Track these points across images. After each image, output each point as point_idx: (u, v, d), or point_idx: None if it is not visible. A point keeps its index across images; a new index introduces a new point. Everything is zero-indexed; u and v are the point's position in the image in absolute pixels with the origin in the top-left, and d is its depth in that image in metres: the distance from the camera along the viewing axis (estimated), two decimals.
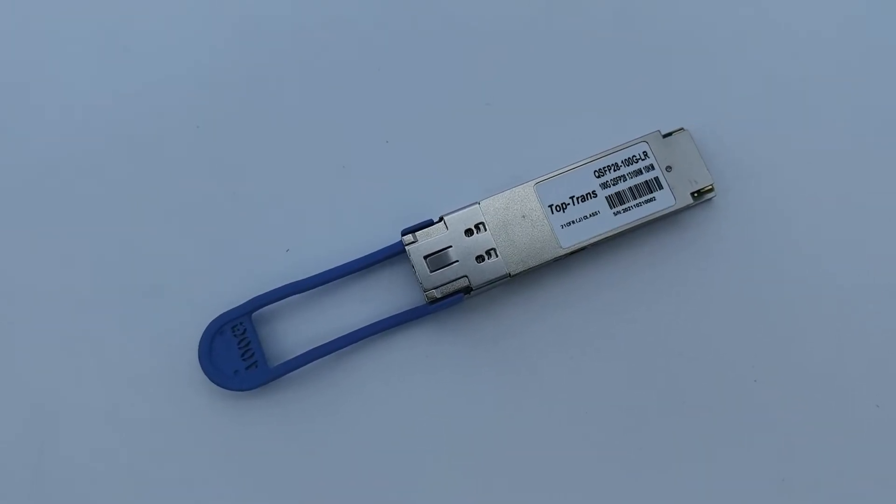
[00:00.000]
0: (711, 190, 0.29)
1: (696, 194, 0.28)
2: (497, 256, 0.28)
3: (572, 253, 0.28)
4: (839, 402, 0.28)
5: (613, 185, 0.28)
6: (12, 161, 0.31)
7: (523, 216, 0.28)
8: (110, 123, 0.31)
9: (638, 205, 0.28)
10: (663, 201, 0.28)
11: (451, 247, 0.28)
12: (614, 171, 0.28)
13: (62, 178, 0.31)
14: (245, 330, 0.28)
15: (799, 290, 0.29)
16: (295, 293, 0.29)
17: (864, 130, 0.30)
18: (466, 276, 0.28)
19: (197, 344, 0.28)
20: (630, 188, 0.28)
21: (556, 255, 0.28)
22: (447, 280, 0.28)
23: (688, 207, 0.29)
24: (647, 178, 0.28)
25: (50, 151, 0.31)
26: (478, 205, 0.28)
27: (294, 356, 0.28)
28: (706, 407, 0.28)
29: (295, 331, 0.29)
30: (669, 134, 0.29)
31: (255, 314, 0.29)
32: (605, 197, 0.28)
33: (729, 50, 0.31)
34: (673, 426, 0.28)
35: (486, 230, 0.28)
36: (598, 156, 0.29)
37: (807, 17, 0.31)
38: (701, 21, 0.31)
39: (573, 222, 0.28)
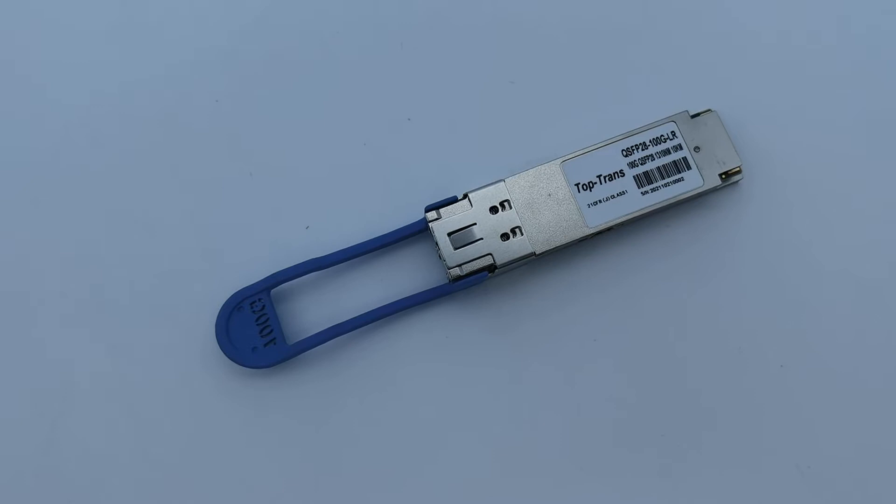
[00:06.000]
0: (739, 172, 0.28)
1: (723, 175, 0.28)
2: (522, 235, 0.27)
3: (599, 233, 0.28)
4: (866, 389, 0.28)
5: (641, 164, 0.28)
6: (30, 142, 0.30)
7: (549, 194, 0.28)
8: (129, 101, 0.31)
9: (666, 185, 0.28)
10: (691, 182, 0.28)
11: (475, 224, 0.27)
12: (642, 150, 0.28)
13: (79, 156, 0.30)
14: (264, 306, 0.28)
15: (825, 275, 0.29)
16: (315, 270, 0.28)
17: (892, 117, 0.30)
18: (491, 255, 0.27)
19: (214, 320, 0.28)
20: (658, 168, 0.28)
21: (582, 235, 0.27)
22: (471, 258, 0.27)
23: (715, 189, 0.28)
24: (676, 158, 0.28)
25: (68, 131, 0.30)
26: (503, 182, 0.28)
27: (313, 334, 0.28)
28: (731, 392, 0.28)
29: (314, 308, 0.29)
30: (698, 115, 0.28)
31: (274, 291, 0.28)
32: (633, 176, 0.28)
33: (759, 33, 0.31)
34: (697, 411, 0.28)
35: (511, 208, 0.28)
36: (626, 135, 0.28)
37: (838, 3, 0.31)
38: (732, 3, 0.31)
39: (600, 201, 0.28)
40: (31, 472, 0.28)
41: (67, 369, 0.29)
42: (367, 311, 0.28)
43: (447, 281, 0.28)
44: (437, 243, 0.27)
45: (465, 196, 0.28)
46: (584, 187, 0.28)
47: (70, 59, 0.31)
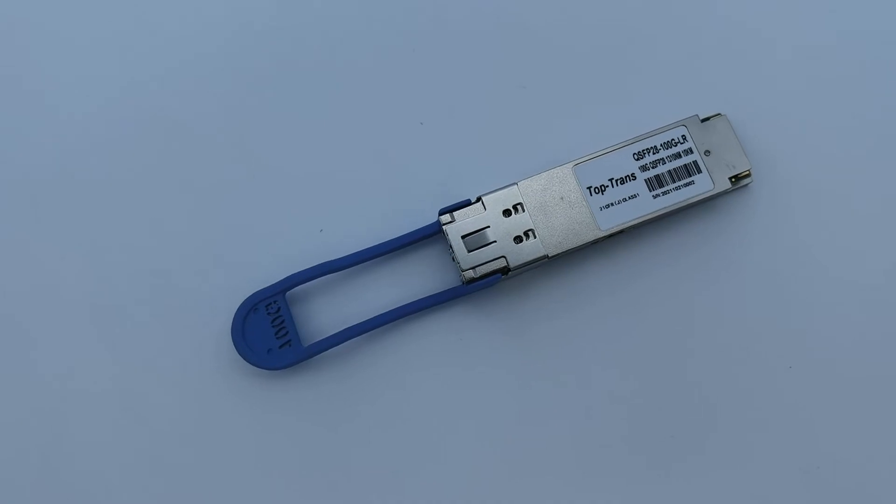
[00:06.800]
0: (749, 175, 0.29)
1: (733, 179, 0.28)
2: (535, 237, 0.28)
3: (610, 235, 0.28)
4: (874, 391, 0.28)
5: (653, 168, 0.28)
6: (35, 146, 0.31)
7: (561, 198, 0.28)
8: (141, 104, 0.31)
9: (677, 188, 0.28)
10: (702, 185, 0.28)
11: (488, 227, 0.28)
12: (653, 154, 0.28)
13: (90, 161, 0.30)
14: (279, 308, 0.28)
15: (834, 277, 0.29)
16: (329, 272, 0.28)
17: None
18: (504, 257, 0.28)
19: (230, 322, 0.28)
20: (669, 171, 0.28)
21: (594, 238, 0.28)
22: (484, 260, 0.28)
23: (725, 192, 0.28)
24: (686, 162, 0.28)
25: (75, 134, 0.31)
26: (516, 185, 0.28)
27: (328, 336, 0.28)
28: (740, 393, 0.28)
29: (329, 311, 0.29)
30: (708, 119, 0.29)
31: (289, 293, 0.29)
32: (645, 180, 0.28)
33: (768, 37, 0.31)
34: (707, 413, 0.28)
35: (524, 211, 0.28)
36: (638, 139, 0.28)
37: (846, 6, 0.31)
38: (741, 7, 0.31)
39: (612, 205, 0.28)
40: (37, 474, 0.28)
41: (79, 373, 0.29)
42: (381, 313, 0.28)
43: (461, 283, 0.28)
44: (451, 246, 0.28)
45: (479, 199, 0.28)
46: (596, 190, 0.28)
47: (74, 62, 0.31)
